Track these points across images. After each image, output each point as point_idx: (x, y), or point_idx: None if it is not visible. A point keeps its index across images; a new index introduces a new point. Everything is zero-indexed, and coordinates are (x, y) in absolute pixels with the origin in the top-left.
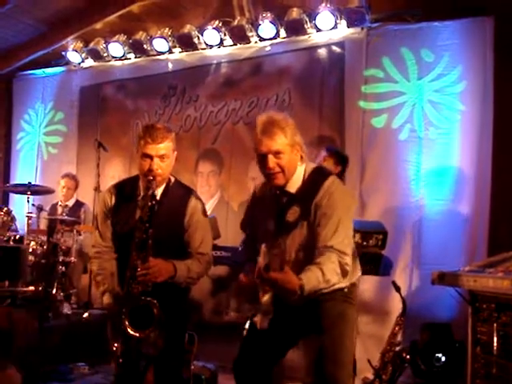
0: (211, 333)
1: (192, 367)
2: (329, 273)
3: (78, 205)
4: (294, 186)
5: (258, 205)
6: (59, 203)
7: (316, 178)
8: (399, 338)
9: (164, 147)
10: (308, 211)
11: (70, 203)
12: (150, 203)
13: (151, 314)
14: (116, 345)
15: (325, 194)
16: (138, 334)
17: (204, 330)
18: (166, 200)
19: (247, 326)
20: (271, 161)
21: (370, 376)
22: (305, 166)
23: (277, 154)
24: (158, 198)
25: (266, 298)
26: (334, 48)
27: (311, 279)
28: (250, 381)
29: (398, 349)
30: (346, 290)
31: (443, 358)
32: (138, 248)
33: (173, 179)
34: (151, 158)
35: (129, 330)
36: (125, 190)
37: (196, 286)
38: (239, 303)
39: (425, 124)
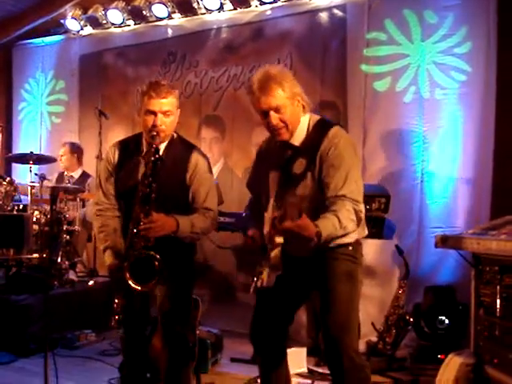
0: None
1: (197, 332)
2: (345, 220)
3: (85, 176)
4: (298, 138)
5: (264, 161)
6: (65, 173)
7: (320, 130)
8: (402, 301)
9: (168, 103)
10: (313, 162)
11: (76, 175)
12: (153, 157)
13: (153, 269)
14: (116, 301)
15: (329, 144)
16: (140, 288)
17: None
18: (169, 155)
19: (254, 285)
20: (273, 117)
21: (374, 339)
22: (309, 117)
23: (277, 109)
24: (160, 153)
25: (274, 253)
26: (336, 11)
27: (328, 226)
28: (266, 343)
29: (401, 312)
30: (350, 248)
31: (446, 321)
32: (141, 202)
33: (175, 135)
34: (155, 114)
35: (130, 283)
36: (129, 146)
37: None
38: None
39: (430, 85)
